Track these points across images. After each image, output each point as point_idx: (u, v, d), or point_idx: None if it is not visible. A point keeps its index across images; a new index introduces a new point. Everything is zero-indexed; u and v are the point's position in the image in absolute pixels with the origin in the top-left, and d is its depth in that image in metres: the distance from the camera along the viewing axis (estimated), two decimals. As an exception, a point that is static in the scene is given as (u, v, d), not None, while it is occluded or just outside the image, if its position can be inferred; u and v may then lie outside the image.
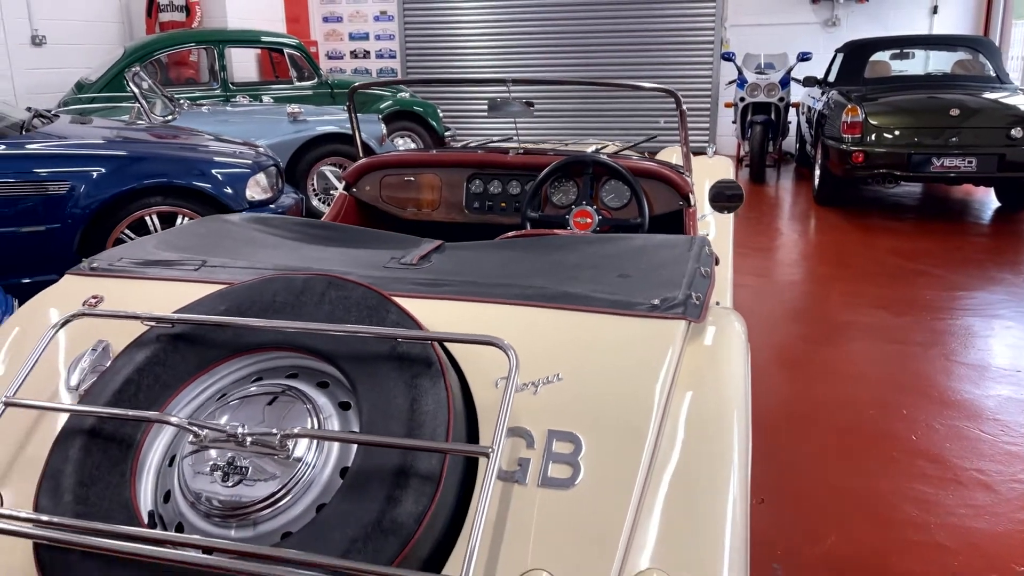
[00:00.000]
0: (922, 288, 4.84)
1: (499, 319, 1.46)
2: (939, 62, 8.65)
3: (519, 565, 1.15)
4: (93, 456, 1.27)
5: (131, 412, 1.28)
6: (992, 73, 7.37)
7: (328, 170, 3.05)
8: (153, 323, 1.42)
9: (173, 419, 1.25)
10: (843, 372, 3.57)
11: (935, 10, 10.14)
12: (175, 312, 1.42)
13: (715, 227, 2.97)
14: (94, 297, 1.67)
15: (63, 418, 1.40)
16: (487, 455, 1.12)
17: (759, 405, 3.20)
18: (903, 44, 7.86)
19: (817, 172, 7.41)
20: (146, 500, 1.29)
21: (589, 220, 2.65)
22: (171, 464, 1.31)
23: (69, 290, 1.71)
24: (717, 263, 1.99)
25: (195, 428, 1.24)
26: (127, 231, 4.07)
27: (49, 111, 4.90)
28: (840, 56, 7.99)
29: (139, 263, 1.75)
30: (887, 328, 4.15)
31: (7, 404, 1.34)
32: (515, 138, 3.15)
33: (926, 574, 2.16)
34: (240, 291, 1.45)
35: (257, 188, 4.36)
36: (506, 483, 1.24)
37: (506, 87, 2.69)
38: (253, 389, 1.34)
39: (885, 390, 3.37)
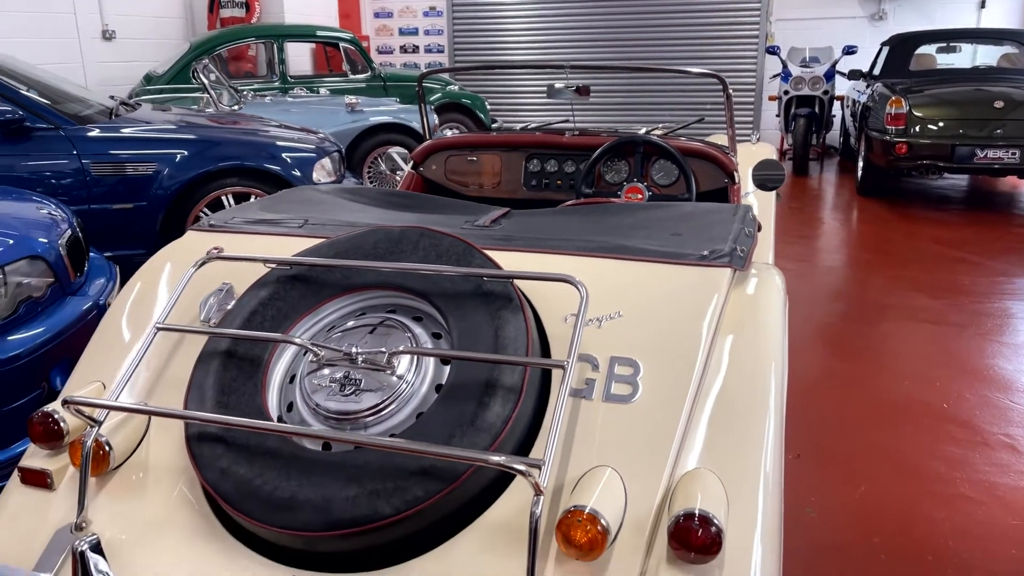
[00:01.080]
0: (961, 274, 4.96)
1: (566, 268, 1.69)
2: (985, 56, 8.65)
3: (587, 462, 1.38)
4: (230, 371, 1.54)
5: (263, 334, 1.54)
6: (1039, 66, 7.39)
7: (395, 152, 3.31)
8: (274, 265, 1.68)
9: (297, 340, 1.51)
10: (880, 348, 3.73)
11: (983, 4, 10.09)
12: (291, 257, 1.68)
13: (757, 204, 3.16)
14: (215, 248, 1.94)
15: (202, 342, 1.67)
16: (563, 367, 1.36)
17: (798, 374, 3.39)
18: (948, 37, 7.89)
19: (860, 164, 7.50)
20: (273, 410, 1.54)
21: (640, 196, 2.87)
22: (291, 381, 1.56)
23: (193, 243, 1.98)
24: (759, 230, 2.19)
25: (315, 349, 1.50)
26: (205, 210, 4.40)
27: (131, 100, 5.26)
28: (886, 49, 8.05)
29: (249, 221, 2.02)
30: (925, 309, 4.29)
31: (159, 329, 1.62)
32: (571, 120, 3.38)
33: (949, 519, 2.34)
34: (346, 240, 1.70)
35: (322, 171, 4.65)
36: (575, 398, 1.47)
37: (564, 72, 2.92)
38: (359, 321, 1.59)
39: (920, 364, 3.53)
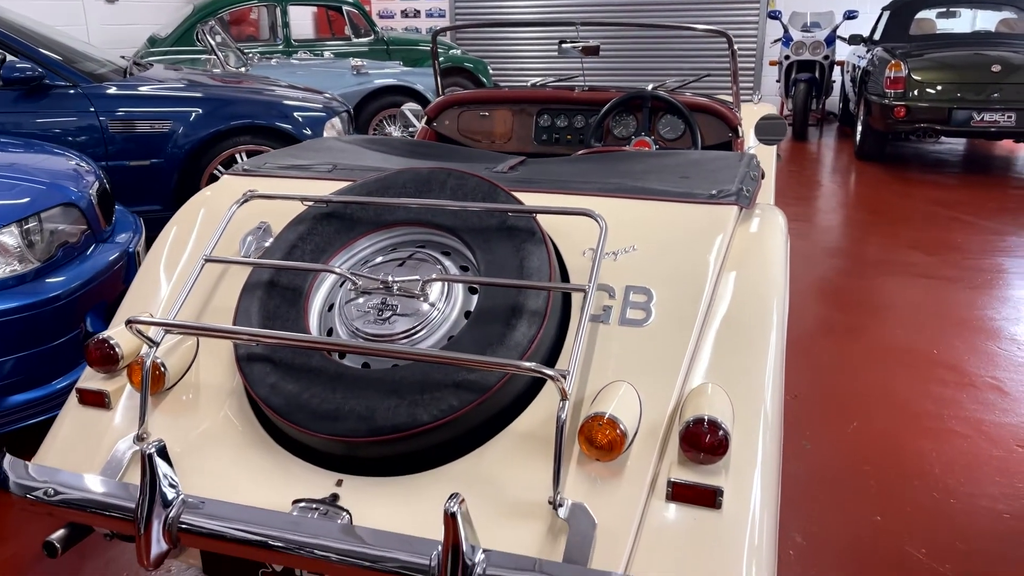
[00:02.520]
0: (955, 232, 5.09)
1: (583, 207, 1.80)
2: (985, 20, 8.69)
3: (605, 378, 1.52)
4: (274, 299, 1.66)
5: (306, 264, 1.67)
6: (1037, 30, 7.45)
7: (408, 108, 3.40)
8: (310, 203, 1.80)
9: (337, 270, 1.64)
10: (875, 300, 3.88)
11: (984, -32, 10.09)
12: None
13: (760, 157, 3.28)
14: (251, 190, 2.06)
15: (242, 275, 1.80)
16: (584, 291, 1.49)
17: (797, 324, 3.53)
18: (948, 2, 7.94)
19: (859, 128, 7.59)
20: (315, 334, 1.67)
21: (647, 149, 2.98)
22: (330, 310, 1.69)
23: (228, 186, 2.10)
24: (763, 177, 2.32)
25: (354, 278, 1.62)
26: (220, 167, 4.50)
27: (143, 59, 5.32)
28: (886, 14, 8.10)
29: (281, 166, 2.13)
30: (918, 265, 4.43)
31: (207, 260, 1.75)
32: (581, 76, 3.48)
33: (936, 450, 2.50)
34: (377, 181, 1.82)
35: (332, 131, 4.75)
36: (593, 323, 1.61)
37: (575, 30, 3.01)
38: (391, 255, 1.71)
39: (912, 314, 3.67)
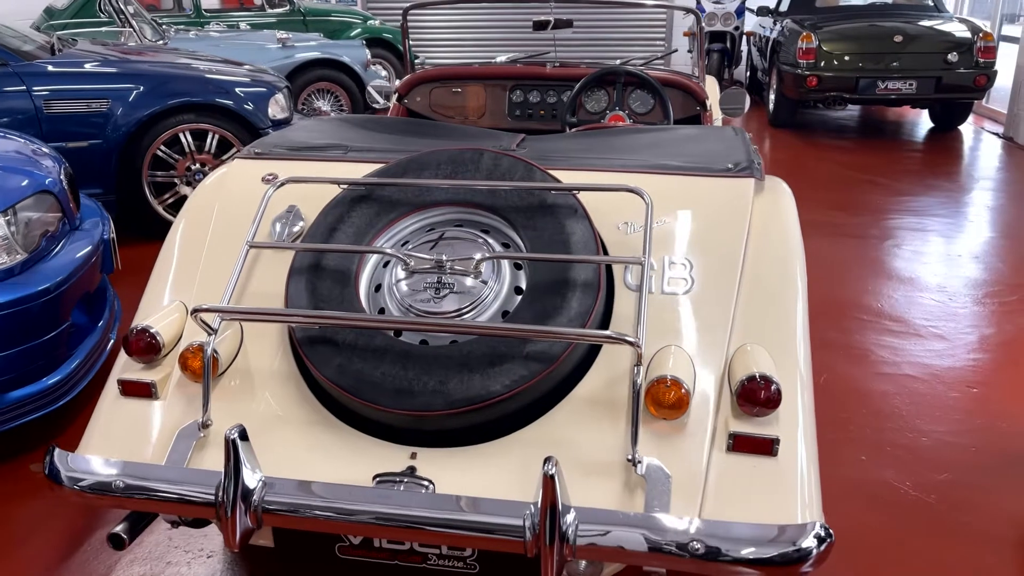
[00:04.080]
0: (872, 194, 5.48)
1: (621, 183, 1.87)
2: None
3: (656, 343, 1.63)
4: (324, 282, 1.70)
5: (357, 247, 1.70)
6: (930, 2, 7.98)
7: (373, 86, 3.37)
8: (347, 186, 1.82)
9: (389, 250, 1.69)
10: (814, 260, 4.13)
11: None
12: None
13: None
14: (270, 174, 2.05)
15: (277, 259, 1.81)
16: (640, 263, 1.59)
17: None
18: (850, -26, 8.38)
19: (772, 97, 7.96)
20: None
21: (623, 123, 3.11)
22: (376, 291, 1.74)
23: (242, 170, 2.07)
24: None
25: (406, 258, 1.67)
26: (163, 147, 4.34)
27: (68, 36, 5.03)
28: (792, -14, 8.48)
29: (292, 148, 2.12)
30: (846, 225, 4.77)
31: (251, 246, 1.76)
32: (554, 52, 3.55)
33: (899, 394, 2.77)
34: (412, 161, 1.85)
35: (277, 107, 4.65)
36: (638, 292, 1.71)
37: (549, 6, 3.09)
38: (430, 235, 1.76)
39: (851, 272, 3.98)
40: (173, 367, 1.74)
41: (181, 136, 4.35)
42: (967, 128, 7.81)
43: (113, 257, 2.84)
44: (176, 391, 1.71)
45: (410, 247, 1.75)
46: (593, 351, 1.64)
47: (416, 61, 9.66)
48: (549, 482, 1.30)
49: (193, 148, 4.40)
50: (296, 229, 1.89)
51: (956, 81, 6.90)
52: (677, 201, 1.84)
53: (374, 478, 1.53)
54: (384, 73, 8.78)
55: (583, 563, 1.49)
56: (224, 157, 4.50)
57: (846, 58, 7.05)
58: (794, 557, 1.33)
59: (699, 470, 1.49)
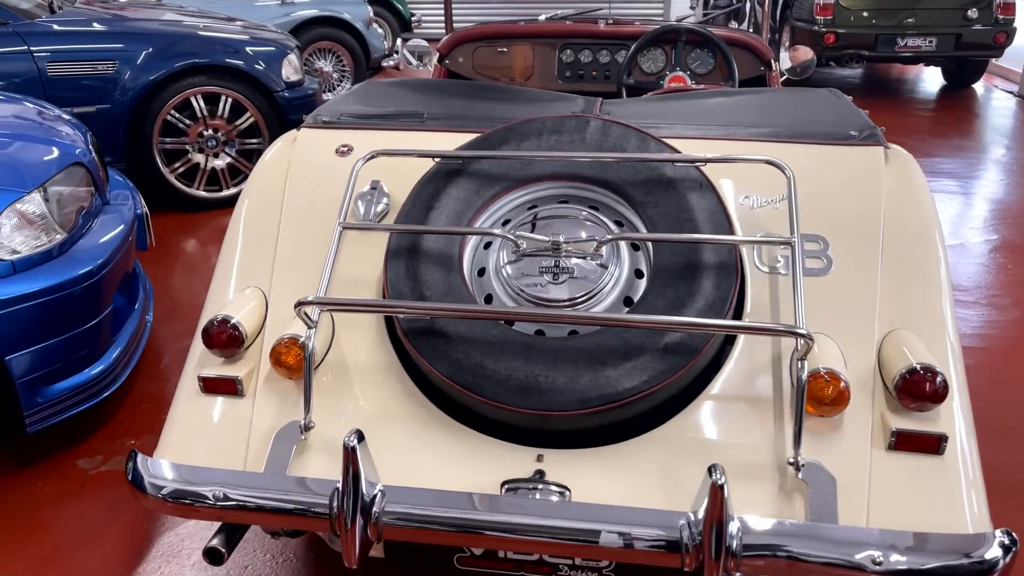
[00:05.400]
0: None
1: (739, 154, 1.70)
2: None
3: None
4: (427, 267, 1.53)
5: (462, 228, 1.54)
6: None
7: (408, 47, 3.15)
8: (439, 159, 1.64)
9: (499, 231, 1.52)
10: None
11: None
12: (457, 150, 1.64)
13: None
14: (344, 146, 1.86)
15: (363, 238, 1.64)
16: (791, 243, 1.44)
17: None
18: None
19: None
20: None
21: (683, 85, 2.93)
22: (480, 275, 1.57)
23: (312, 141, 1.87)
24: None
25: (519, 240, 1.51)
26: (174, 112, 4.09)
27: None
28: (802, -61, 8.24)
29: (361, 116, 1.93)
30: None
31: (344, 227, 1.58)
32: (608, 8, 3.35)
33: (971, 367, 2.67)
34: (507, 132, 1.67)
35: (290, 68, 4.40)
36: (772, 274, 1.56)
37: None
38: (532, 213, 1.59)
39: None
40: (258, 361, 1.58)
41: (192, 100, 4.10)
42: (978, 87, 7.68)
43: (147, 233, 2.64)
44: (265, 388, 1.55)
45: (511, 227, 1.59)
46: (728, 341, 1.50)
47: (413, 19, 9.31)
48: (718, 492, 1.17)
49: (206, 112, 4.15)
50: (380, 208, 1.72)
51: (975, 38, 6.75)
52: (802, 173, 1.68)
53: (502, 485, 1.39)
54: (381, 32, 8.47)
55: None
56: (238, 122, 4.26)
57: (864, 14, 6.87)
58: (978, 570, 1.21)
59: (862, 472, 1.37)
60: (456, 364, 1.40)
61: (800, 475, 1.34)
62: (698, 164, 1.58)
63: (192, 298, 3.24)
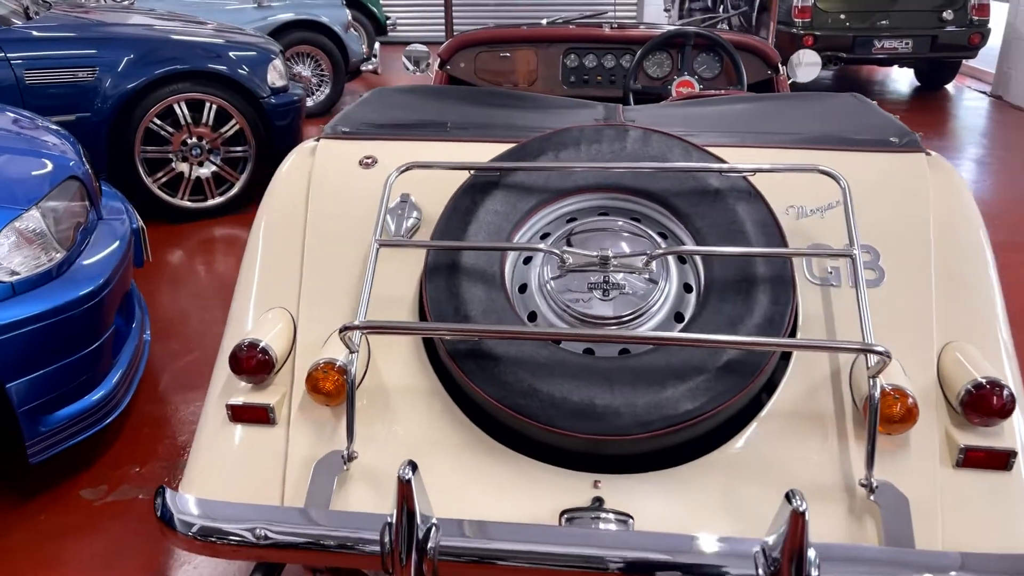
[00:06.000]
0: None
1: (787, 163, 1.64)
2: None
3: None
4: (470, 285, 1.45)
5: (504, 244, 1.47)
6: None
7: (409, 52, 3.05)
8: (474, 171, 1.57)
9: (544, 247, 1.45)
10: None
11: None
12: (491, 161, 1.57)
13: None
14: (368, 157, 1.77)
15: (396, 257, 1.56)
16: (851, 256, 1.40)
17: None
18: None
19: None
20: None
21: (692, 90, 2.89)
22: (521, 291, 1.50)
23: (332, 152, 1.77)
24: None
25: (565, 255, 1.44)
26: (156, 120, 3.95)
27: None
28: (776, -59, 8.30)
29: (382, 126, 1.84)
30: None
31: (380, 244, 1.50)
32: (613, 12, 3.30)
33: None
34: (542, 142, 1.60)
35: (275, 73, 4.28)
36: (823, 287, 1.52)
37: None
38: (572, 226, 1.52)
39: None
40: (289, 387, 1.50)
41: (176, 107, 3.96)
42: (950, 87, 7.80)
43: (144, 249, 2.53)
44: (299, 415, 1.46)
45: (552, 240, 1.52)
46: (783, 357, 1.45)
47: (388, 21, 9.19)
48: (799, 520, 1.11)
49: (189, 120, 4.02)
50: (411, 223, 1.64)
51: (951, 40, 6.84)
52: (848, 181, 1.63)
53: (561, 514, 1.33)
54: (355, 35, 8.34)
55: None
56: (223, 130, 4.13)
57: (842, 16, 6.92)
58: None
59: (933, 492, 1.33)
60: (507, 387, 1.33)
61: (872, 496, 1.29)
62: (746, 174, 1.53)
63: (184, 314, 3.12)
